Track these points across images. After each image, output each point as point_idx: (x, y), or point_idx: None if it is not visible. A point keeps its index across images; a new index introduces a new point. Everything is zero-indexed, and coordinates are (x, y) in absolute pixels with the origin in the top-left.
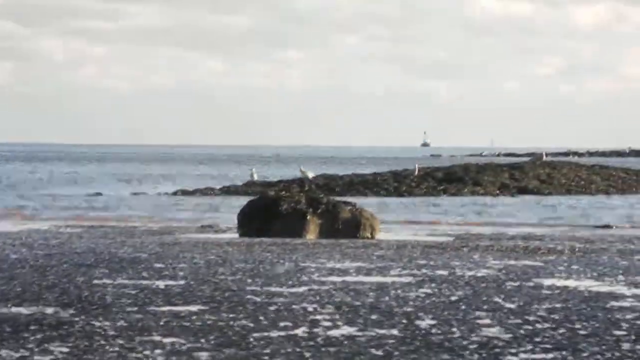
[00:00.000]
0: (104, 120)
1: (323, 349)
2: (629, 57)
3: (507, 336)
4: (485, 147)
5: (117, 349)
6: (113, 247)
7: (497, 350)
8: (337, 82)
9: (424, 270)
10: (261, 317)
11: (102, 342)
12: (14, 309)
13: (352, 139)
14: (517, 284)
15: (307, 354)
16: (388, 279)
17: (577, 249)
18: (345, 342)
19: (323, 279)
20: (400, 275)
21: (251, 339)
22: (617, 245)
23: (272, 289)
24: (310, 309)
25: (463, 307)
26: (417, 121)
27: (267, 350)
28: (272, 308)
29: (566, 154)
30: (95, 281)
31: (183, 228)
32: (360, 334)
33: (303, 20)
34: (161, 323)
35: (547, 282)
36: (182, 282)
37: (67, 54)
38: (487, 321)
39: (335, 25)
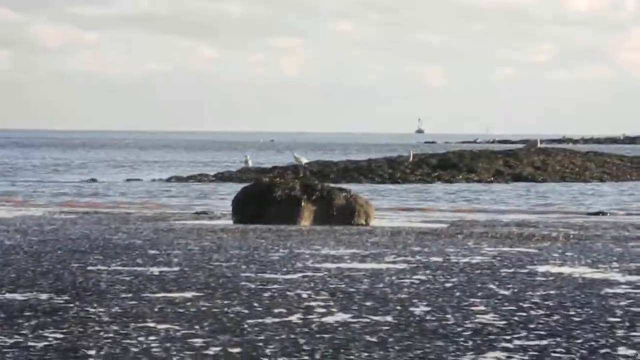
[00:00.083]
0: (98, 106)
1: (317, 336)
2: (624, 44)
3: (502, 323)
4: (480, 134)
5: (111, 335)
6: (107, 233)
7: (492, 336)
8: (331, 69)
9: (418, 257)
10: (255, 304)
11: (97, 328)
12: (8, 295)
13: (347, 126)
14: (511, 270)
15: (302, 341)
16: (382, 266)
17: (571, 236)
18: (340, 329)
19: (317, 265)
20: (394, 262)
21: (245, 326)
22: (612, 232)
23: (267, 275)
24: (304, 295)
25: (457, 293)
26: (412, 108)
27: (262, 337)
28: (266, 294)
29: (560, 140)
30: (90, 267)
31: (177, 214)
32: (354, 320)
33: (297, 8)
34: (155, 309)
35: (542, 268)
36: (176, 268)
37: (59, 40)
38: (482, 308)
39: (329, 12)
